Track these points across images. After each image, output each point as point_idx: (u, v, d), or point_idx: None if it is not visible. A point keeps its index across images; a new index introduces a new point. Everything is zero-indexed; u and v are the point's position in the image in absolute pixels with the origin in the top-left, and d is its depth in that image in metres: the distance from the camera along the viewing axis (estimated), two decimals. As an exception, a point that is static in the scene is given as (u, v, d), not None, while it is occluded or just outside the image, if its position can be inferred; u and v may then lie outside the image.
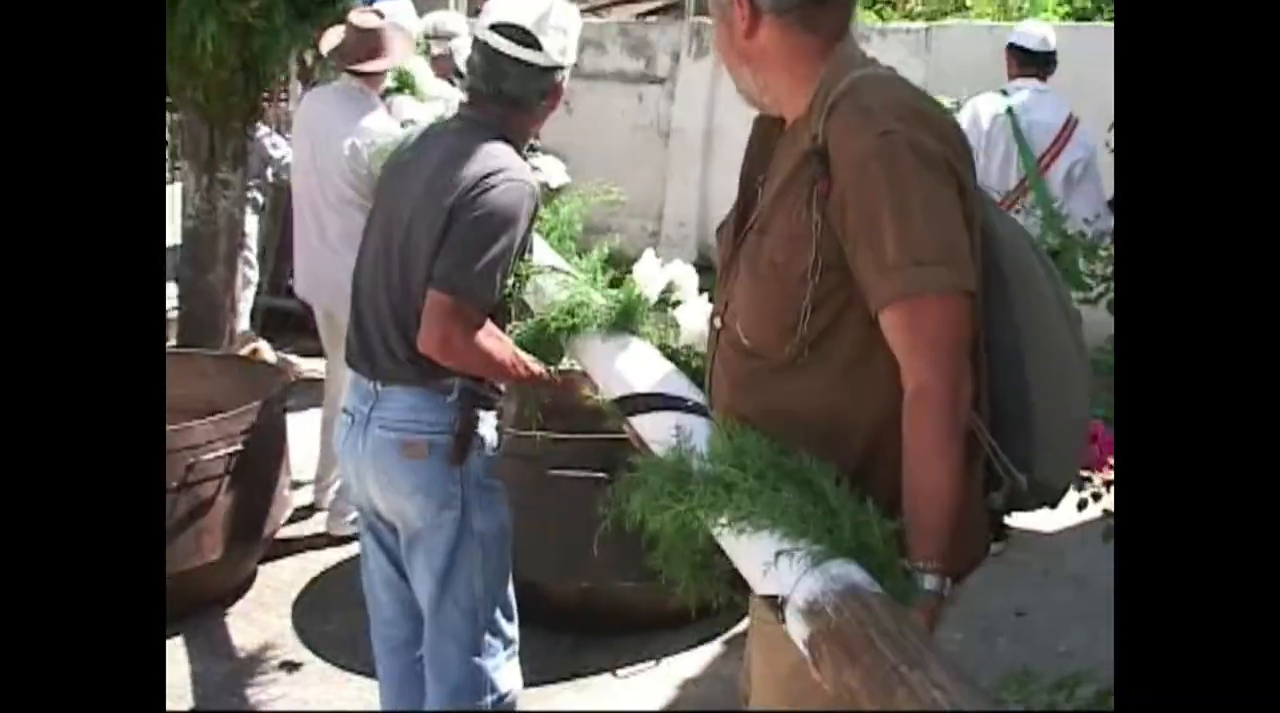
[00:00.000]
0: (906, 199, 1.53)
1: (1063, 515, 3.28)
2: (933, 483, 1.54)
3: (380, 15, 4.05)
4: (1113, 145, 3.26)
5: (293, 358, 6.13)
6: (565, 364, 2.34)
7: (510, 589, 2.46)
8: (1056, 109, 4.35)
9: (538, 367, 2.28)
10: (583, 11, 10.15)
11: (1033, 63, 4.37)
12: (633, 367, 2.05)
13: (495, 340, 2.23)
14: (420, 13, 4.79)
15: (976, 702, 1.19)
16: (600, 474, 2.97)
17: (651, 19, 8.67)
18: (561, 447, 3.15)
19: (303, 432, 4.64)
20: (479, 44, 2.30)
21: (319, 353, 6.29)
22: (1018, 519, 2.22)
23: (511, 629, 2.47)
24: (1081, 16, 7.77)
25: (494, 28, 2.26)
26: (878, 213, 1.54)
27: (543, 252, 2.43)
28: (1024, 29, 4.61)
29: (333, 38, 4.02)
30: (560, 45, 2.30)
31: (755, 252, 1.71)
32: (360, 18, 3.95)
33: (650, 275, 2.24)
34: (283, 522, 3.89)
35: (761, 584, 1.53)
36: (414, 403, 2.29)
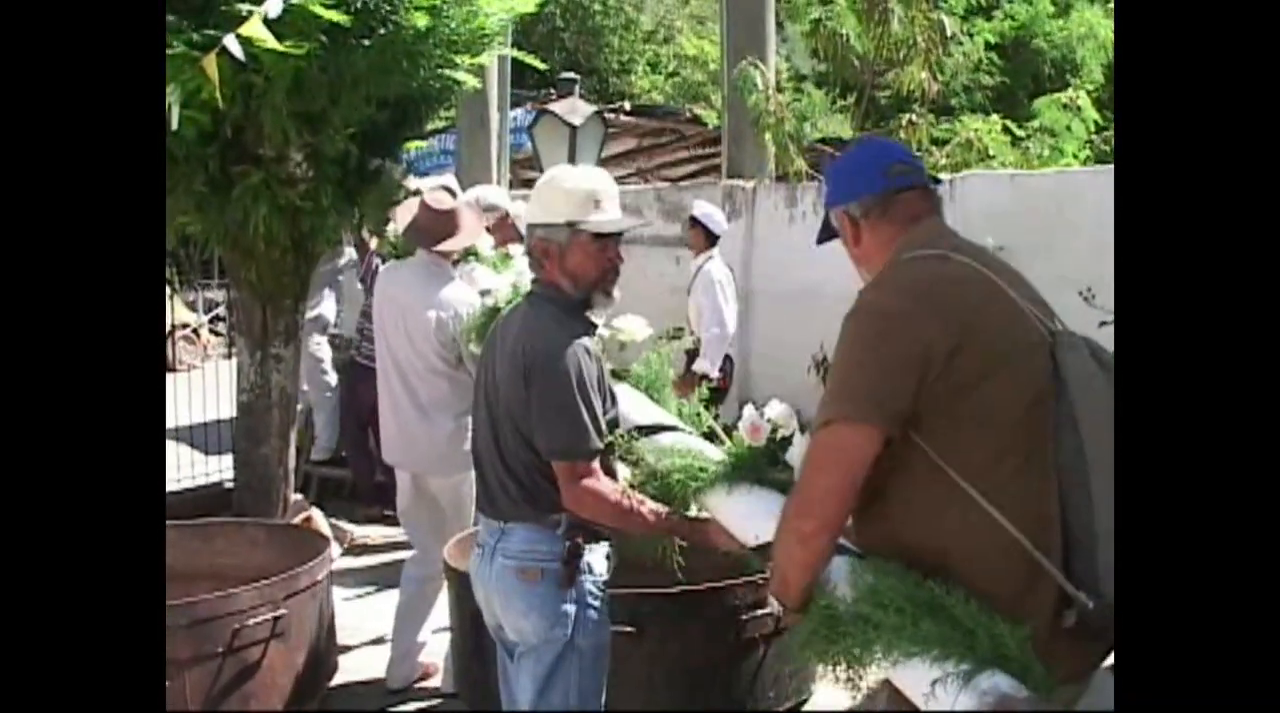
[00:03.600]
0: (845, 350, 1.93)
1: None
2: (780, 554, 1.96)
3: (452, 194, 4.30)
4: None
5: (345, 525, 6.23)
6: (693, 511, 2.56)
7: (602, 703, 2.70)
8: None
9: (663, 509, 2.56)
10: (628, 177, 10.41)
11: (715, 239, 6.30)
12: (760, 515, 2.25)
13: (619, 493, 2.57)
14: (464, 186, 5.06)
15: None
16: (629, 629, 3.04)
17: (685, 184, 8.95)
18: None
19: (353, 597, 4.71)
20: (529, 230, 2.73)
21: (370, 520, 6.43)
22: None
23: None
24: (1100, 159, 7.95)
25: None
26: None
27: (649, 409, 2.77)
28: (712, 215, 6.29)
29: (405, 215, 4.26)
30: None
31: None
32: (434, 198, 4.19)
33: (752, 426, 2.45)
34: (330, 684, 3.92)
35: (925, 707, 1.73)
36: (530, 536, 2.63)
